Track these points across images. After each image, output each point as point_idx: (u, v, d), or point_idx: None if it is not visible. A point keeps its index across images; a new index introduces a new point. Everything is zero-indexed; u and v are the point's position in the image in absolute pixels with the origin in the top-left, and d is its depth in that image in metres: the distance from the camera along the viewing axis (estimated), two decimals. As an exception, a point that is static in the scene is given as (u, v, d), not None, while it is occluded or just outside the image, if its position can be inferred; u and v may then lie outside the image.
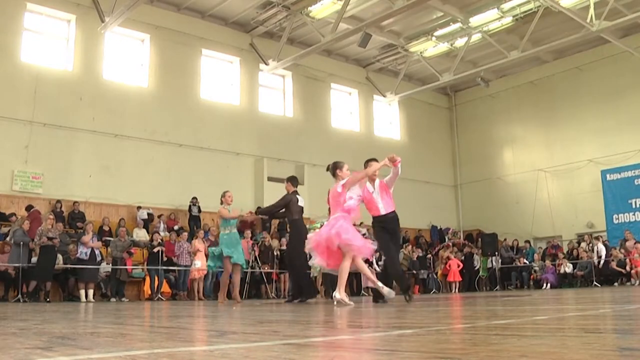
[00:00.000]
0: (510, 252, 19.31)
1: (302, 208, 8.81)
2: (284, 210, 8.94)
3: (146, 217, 15.05)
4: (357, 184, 6.77)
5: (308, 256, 7.81)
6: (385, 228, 6.90)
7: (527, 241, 19.74)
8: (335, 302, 6.40)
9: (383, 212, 6.88)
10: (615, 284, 16.49)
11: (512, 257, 19.14)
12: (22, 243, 11.65)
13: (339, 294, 6.33)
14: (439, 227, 21.76)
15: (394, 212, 6.96)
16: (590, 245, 18.00)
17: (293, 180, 9.09)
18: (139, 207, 15.18)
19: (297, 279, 9.02)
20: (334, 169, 6.85)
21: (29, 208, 13.27)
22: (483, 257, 19.17)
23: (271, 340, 2.30)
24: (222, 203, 9.13)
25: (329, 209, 6.90)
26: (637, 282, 15.85)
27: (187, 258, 13.63)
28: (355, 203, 6.80)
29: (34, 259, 11.83)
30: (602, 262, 17.01)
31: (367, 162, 6.91)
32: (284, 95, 19.83)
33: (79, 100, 15.13)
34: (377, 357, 1.74)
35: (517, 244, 19.69)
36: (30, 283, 11.43)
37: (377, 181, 6.99)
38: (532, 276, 18.34)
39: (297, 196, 8.79)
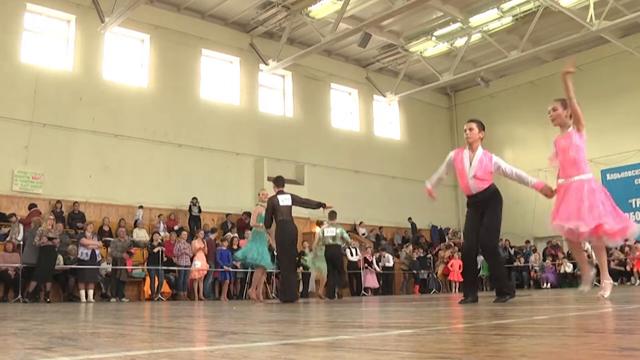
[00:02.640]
0: (505, 252, 19.32)
1: (288, 207, 8.69)
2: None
3: (141, 218, 14.96)
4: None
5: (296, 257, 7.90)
6: (472, 209, 5.93)
7: (527, 241, 19.73)
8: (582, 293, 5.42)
9: (473, 191, 5.87)
10: (616, 283, 16.50)
11: (506, 257, 19.16)
12: (22, 243, 11.66)
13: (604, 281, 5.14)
14: (439, 227, 21.76)
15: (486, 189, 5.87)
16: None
17: (276, 181, 9.08)
18: (140, 207, 15.16)
19: (283, 278, 9.06)
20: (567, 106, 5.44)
21: (32, 207, 13.28)
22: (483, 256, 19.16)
23: (271, 340, 2.30)
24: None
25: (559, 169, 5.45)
26: (637, 282, 15.85)
27: (187, 258, 13.62)
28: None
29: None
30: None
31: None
32: (284, 95, 19.83)
33: (78, 100, 15.13)
34: (377, 357, 1.74)
35: (509, 244, 19.69)
36: (30, 283, 11.42)
37: (479, 150, 5.91)
38: (531, 274, 18.36)
39: (279, 196, 8.72)
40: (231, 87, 18.49)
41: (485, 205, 5.93)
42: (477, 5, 17.26)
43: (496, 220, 5.90)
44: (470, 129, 6.04)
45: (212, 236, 14.86)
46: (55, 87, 14.84)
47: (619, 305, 4.68)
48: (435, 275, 18.52)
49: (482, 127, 6.09)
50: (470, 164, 5.91)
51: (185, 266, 13.56)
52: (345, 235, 12.31)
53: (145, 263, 13.52)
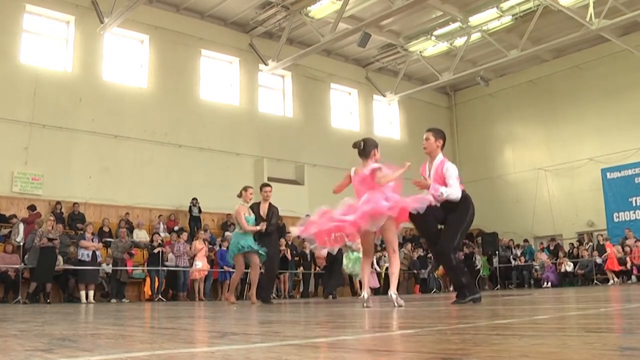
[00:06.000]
0: (507, 252, 19.34)
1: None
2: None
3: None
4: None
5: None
6: None
7: (526, 240, 19.73)
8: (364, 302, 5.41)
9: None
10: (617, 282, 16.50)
11: (508, 256, 19.18)
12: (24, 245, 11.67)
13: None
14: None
15: None
16: (591, 244, 18.01)
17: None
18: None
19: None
20: (371, 147, 5.62)
21: (32, 208, 13.27)
22: (483, 256, 19.18)
23: (272, 341, 2.30)
24: (240, 196, 8.56)
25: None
26: (614, 281, 15.75)
27: (187, 259, 13.60)
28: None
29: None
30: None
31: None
32: (284, 95, 19.83)
33: (78, 101, 15.13)
34: (378, 358, 1.74)
35: (513, 243, 19.69)
36: (30, 284, 11.43)
37: (437, 159, 6.03)
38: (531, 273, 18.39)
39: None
40: (231, 87, 18.49)
41: (447, 210, 5.82)
42: (477, 5, 17.26)
43: (455, 227, 5.88)
44: (427, 139, 6.03)
45: (205, 235, 14.77)
46: (55, 88, 14.84)
47: (619, 304, 4.68)
48: (435, 275, 18.50)
49: (439, 135, 6.00)
50: (429, 174, 5.99)
51: (185, 267, 13.56)
52: None
53: (146, 264, 13.53)
